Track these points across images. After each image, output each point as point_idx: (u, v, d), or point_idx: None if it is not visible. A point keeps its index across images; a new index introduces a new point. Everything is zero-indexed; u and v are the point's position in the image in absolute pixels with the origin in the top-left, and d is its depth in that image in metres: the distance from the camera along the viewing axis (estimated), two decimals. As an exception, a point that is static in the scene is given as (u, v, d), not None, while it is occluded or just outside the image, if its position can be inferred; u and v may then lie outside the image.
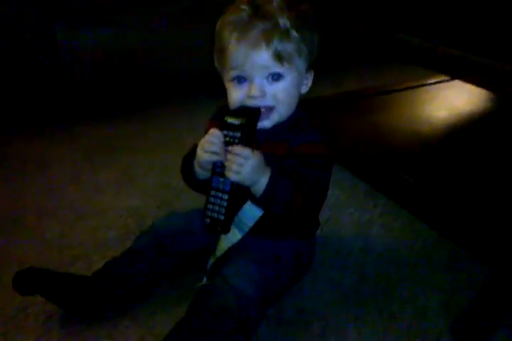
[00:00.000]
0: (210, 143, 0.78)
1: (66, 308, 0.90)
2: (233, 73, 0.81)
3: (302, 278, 0.97)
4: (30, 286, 0.85)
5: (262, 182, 0.78)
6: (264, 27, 0.77)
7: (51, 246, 1.11)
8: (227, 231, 0.83)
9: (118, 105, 1.82)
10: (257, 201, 0.83)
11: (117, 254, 0.98)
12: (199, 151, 0.81)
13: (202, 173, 0.84)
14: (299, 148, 0.83)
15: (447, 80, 1.64)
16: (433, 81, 1.65)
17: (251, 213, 0.87)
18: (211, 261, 0.92)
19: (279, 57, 0.77)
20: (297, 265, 0.93)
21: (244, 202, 0.87)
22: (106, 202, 1.28)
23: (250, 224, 0.88)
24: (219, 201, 0.80)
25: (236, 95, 0.82)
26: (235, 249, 0.90)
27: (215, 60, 0.85)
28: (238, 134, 0.77)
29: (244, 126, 0.77)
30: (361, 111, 1.51)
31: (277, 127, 0.84)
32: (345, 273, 1.02)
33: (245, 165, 0.75)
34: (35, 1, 1.57)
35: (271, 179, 0.78)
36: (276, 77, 0.80)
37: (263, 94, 0.80)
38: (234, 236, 0.89)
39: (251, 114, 0.79)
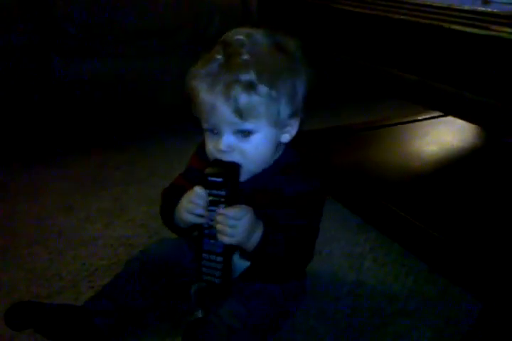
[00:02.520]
0: (195, 205, 0.77)
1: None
2: (205, 125, 0.79)
3: (293, 314, 0.96)
4: (22, 321, 0.82)
5: (254, 239, 0.76)
6: (226, 81, 0.73)
7: (40, 275, 1.09)
8: (227, 294, 0.81)
9: (110, 135, 1.83)
10: (247, 256, 0.82)
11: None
12: (182, 212, 0.79)
13: (184, 224, 0.83)
14: (292, 198, 0.80)
15: (439, 116, 1.69)
16: (425, 117, 1.69)
17: (239, 265, 0.86)
18: (193, 289, 0.91)
19: (239, 113, 0.73)
20: (286, 301, 0.92)
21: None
22: (96, 231, 1.27)
23: (237, 274, 0.87)
24: (214, 264, 0.78)
25: (209, 146, 0.80)
26: None
27: (192, 107, 0.81)
28: (222, 193, 0.74)
29: (226, 184, 0.74)
30: (352, 146, 1.53)
31: (267, 175, 0.82)
32: (337, 306, 1.01)
33: (238, 227, 0.73)
34: (35, 30, 1.60)
35: (263, 236, 0.76)
36: (246, 133, 0.76)
37: (230, 150, 0.77)
38: None
39: (229, 169, 0.76)
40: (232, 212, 0.73)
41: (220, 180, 0.74)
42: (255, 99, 0.74)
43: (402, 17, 0.92)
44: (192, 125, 0.82)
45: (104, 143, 1.80)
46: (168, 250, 0.95)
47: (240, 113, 0.73)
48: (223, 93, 0.73)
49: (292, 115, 0.79)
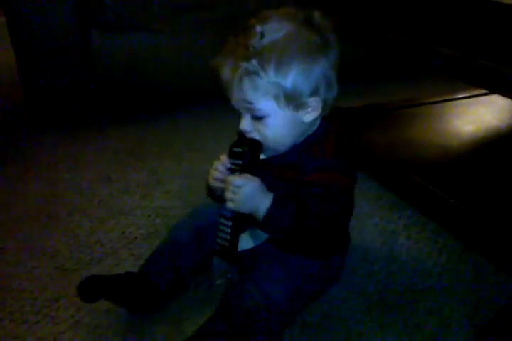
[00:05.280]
0: (216, 170, 0.83)
1: (126, 306, 0.92)
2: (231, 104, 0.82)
3: (329, 288, 0.97)
4: (94, 294, 0.87)
5: (261, 210, 0.78)
6: (231, 67, 0.76)
7: (82, 242, 1.14)
8: (234, 258, 0.84)
9: (146, 109, 1.86)
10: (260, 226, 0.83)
11: (146, 252, 1.01)
12: (209, 178, 0.85)
13: (214, 191, 0.86)
14: (309, 176, 0.80)
15: (477, 95, 1.65)
16: (463, 95, 1.66)
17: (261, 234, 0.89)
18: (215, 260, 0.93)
19: (244, 97, 0.77)
20: (325, 275, 0.93)
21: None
22: (134, 201, 1.31)
23: (259, 241, 0.89)
24: (225, 228, 0.82)
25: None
26: (261, 256, 0.90)
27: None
28: (239, 162, 0.80)
29: (245, 154, 0.80)
30: (390, 123, 1.52)
31: (295, 151, 0.83)
32: (370, 281, 1.03)
33: (238, 193, 0.77)
34: (74, 9, 1.62)
35: (271, 207, 0.78)
36: (260, 117, 0.79)
37: (249, 131, 0.80)
38: (247, 243, 0.90)
39: (250, 144, 0.81)
40: (234, 179, 0.78)
41: (239, 150, 0.81)
42: (258, 84, 0.75)
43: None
44: (226, 100, 0.83)
45: (140, 116, 1.83)
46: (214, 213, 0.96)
47: (244, 97, 0.77)
48: (230, 77, 0.76)
49: (311, 95, 0.79)
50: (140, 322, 0.92)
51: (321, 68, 0.77)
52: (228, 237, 0.82)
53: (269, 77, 0.74)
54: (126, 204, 1.29)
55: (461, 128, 1.49)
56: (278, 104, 0.77)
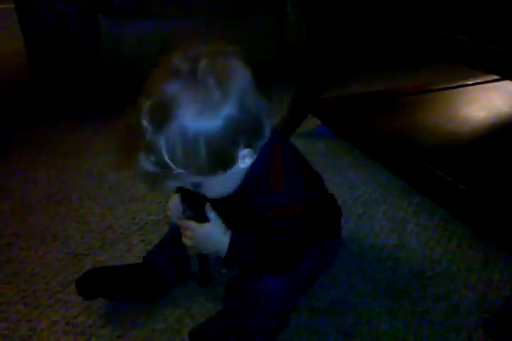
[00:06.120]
0: (169, 214, 0.84)
1: (126, 300, 0.94)
2: None
3: (329, 265, 0.98)
4: (94, 289, 0.89)
5: (222, 250, 0.77)
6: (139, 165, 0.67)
7: (93, 227, 1.15)
8: (205, 285, 0.87)
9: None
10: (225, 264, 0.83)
11: (156, 237, 1.02)
12: (167, 211, 0.85)
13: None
14: (258, 213, 0.76)
15: (488, 81, 1.63)
16: (474, 82, 1.64)
17: None
18: None
19: (151, 180, 0.69)
20: (320, 258, 0.93)
21: None
22: (144, 188, 1.32)
23: None
24: (195, 259, 0.86)
25: None
26: None
27: None
28: (189, 212, 0.81)
29: (193, 207, 0.80)
30: (400, 109, 1.50)
31: (238, 190, 0.77)
32: (378, 268, 1.03)
33: (193, 239, 0.78)
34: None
35: (230, 247, 0.77)
36: (194, 184, 0.73)
37: (192, 189, 0.75)
38: None
39: (195, 199, 0.78)
40: (186, 227, 0.79)
41: (187, 203, 0.81)
42: (174, 175, 0.67)
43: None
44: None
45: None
46: None
47: (170, 183, 0.71)
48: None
49: (235, 152, 0.69)
50: (151, 306, 0.93)
51: (228, 123, 0.64)
52: (197, 271, 0.86)
53: (179, 168, 0.65)
54: (137, 191, 1.30)
55: (472, 114, 1.48)
56: (205, 176, 0.70)
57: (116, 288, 0.90)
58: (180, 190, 0.83)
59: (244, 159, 0.71)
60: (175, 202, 0.83)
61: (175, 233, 0.96)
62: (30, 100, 1.84)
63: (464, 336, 0.88)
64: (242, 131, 0.67)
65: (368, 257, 1.06)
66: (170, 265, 0.94)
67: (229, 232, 0.78)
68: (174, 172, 0.66)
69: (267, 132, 0.71)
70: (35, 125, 1.68)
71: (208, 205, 0.78)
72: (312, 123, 1.57)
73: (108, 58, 1.71)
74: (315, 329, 0.89)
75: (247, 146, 0.69)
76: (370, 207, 1.23)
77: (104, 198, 1.27)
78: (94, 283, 0.89)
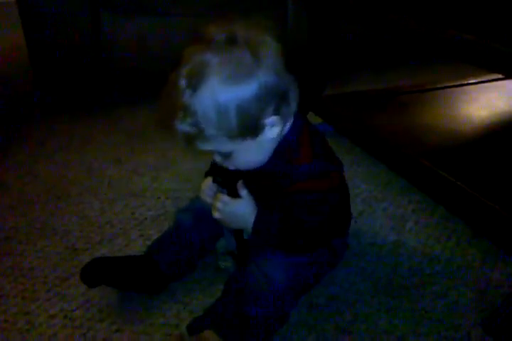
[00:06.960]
0: (203, 194, 0.88)
1: (130, 290, 0.93)
2: None
3: (332, 268, 0.97)
4: (97, 278, 0.89)
5: (249, 226, 0.81)
6: (175, 131, 0.72)
7: (92, 222, 1.15)
8: (243, 264, 0.87)
9: (156, 92, 1.85)
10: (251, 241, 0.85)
11: (155, 233, 1.02)
12: (200, 194, 0.90)
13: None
14: (289, 186, 0.79)
15: (489, 81, 1.63)
16: (475, 81, 1.64)
17: None
18: (219, 243, 0.98)
19: (187, 140, 0.73)
20: (326, 258, 0.93)
21: None
22: (144, 183, 1.32)
23: None
24: (230, 238, 0.89)
25: None
26: None
27: None
28: (221, 189, 0.84)
29: (224, 184, 0.83)
30: (400, 108, 1.50)
31: (268, 164, 0.80)
32: (378, 265, 1.03)
33: (223, 213, 0.82)
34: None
35: (255, 223, 0.80)
36: (223, 154, 0.77)
37: (221, 163, 0.80)
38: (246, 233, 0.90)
39: (226, 174, 0.82)
40: (218, 201, 0.82)
41: (219, 179, 0.84)
42: (206, 139, 0.72)
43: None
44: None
45: (150, 99, 1.82)
46: None
47: (201, 148, 0.75)
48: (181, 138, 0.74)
49: (262, 118, 0.72)
50: (150, 301, 0.93)
51: (259, 88, 0.69)
52: (235, 247, 0.88)
53: (211, 130, 0.70)
54: (136, 186, 1.30)
55: (473, 113, 1.48)
56: (234, 141, 0.73)
57: (119, 277, 0.90)
58: (213, 170, 0.88)
59: (272, 127, 0.74)
60: (208, 183, 0.87)
61: (179, 224, 0.97)
62: (30, 94, 1.84)
63: (462, 333, 0.87)
64: (271, 97, 0.71)
65: (368, 254, 1.06)
66: (173, 261, 0.94)
67: (255, 209, 0.81)
68: (207, 134, 0.70)
69: (294, 102, 0.75)
70: (35, 119, 1.68)
71: (240, 183, 0.81)
72: (313, 121, 1.56)
73: (109, 54, 1.71)
74: (314, 326, 0.89)
75: (275, 113, 0.73)
76: (370, 205, 1.23)
77: (103, 193, 1.27)
78: (98, 271, 0.88)
